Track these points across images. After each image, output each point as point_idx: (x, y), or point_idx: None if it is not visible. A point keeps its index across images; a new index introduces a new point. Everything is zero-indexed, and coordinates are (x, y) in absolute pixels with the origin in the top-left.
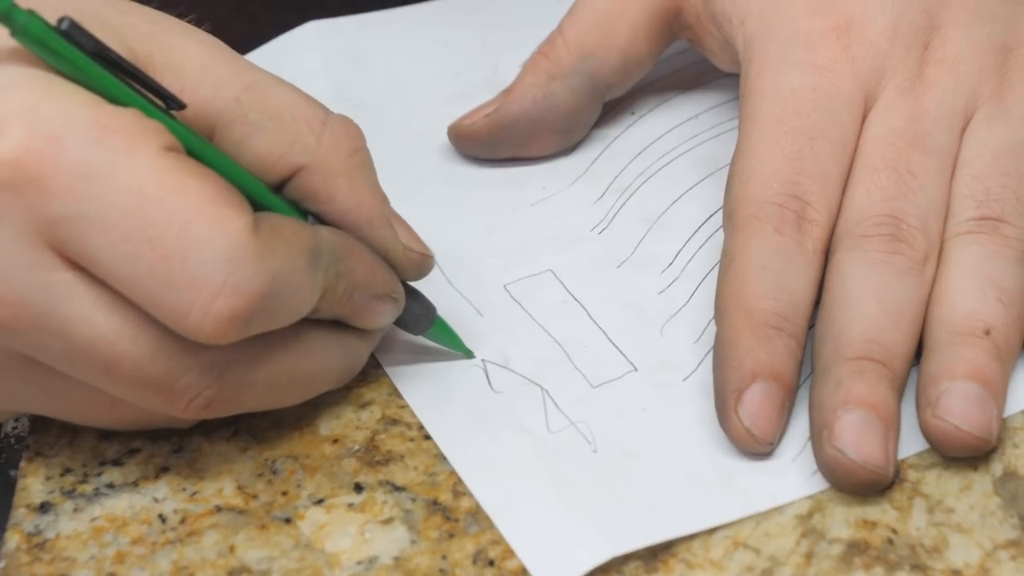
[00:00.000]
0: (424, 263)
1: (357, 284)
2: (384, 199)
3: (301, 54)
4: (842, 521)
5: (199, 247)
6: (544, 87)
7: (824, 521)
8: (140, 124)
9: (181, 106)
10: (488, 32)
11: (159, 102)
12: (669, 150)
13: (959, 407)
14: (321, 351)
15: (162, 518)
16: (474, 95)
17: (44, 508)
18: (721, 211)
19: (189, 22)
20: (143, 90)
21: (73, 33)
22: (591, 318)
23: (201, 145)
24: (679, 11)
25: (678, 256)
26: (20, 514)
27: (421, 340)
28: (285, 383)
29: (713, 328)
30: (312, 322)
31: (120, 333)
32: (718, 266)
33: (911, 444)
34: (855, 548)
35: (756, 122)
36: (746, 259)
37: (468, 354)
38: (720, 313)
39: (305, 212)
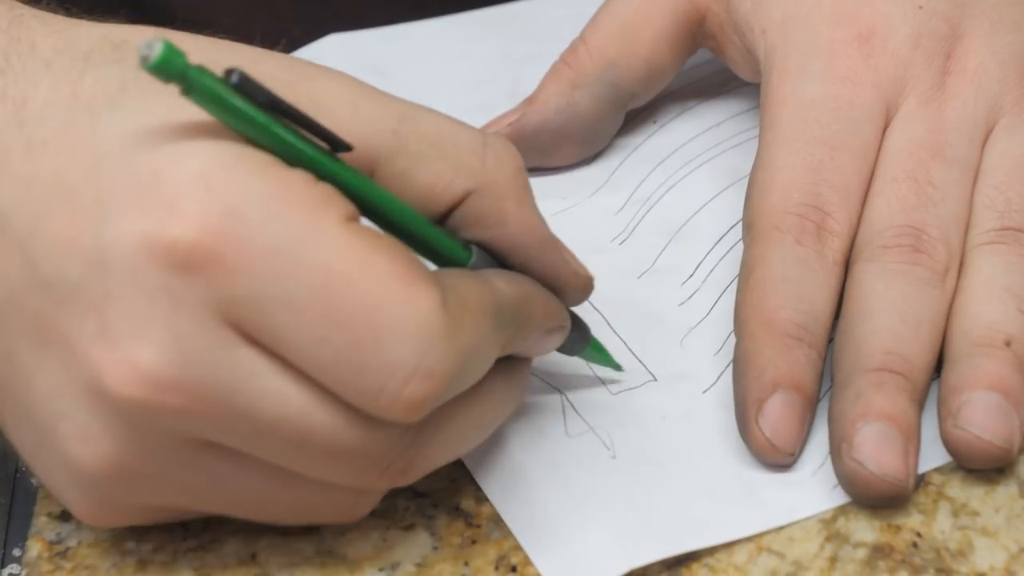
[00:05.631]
0: (589, 286)
1: (534, 327)
2: (545, 221)
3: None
4: (866, 525)
5: (391, 331)
6: (567, 96)
7: (848, 525)
8: (315, 193)
9: (348, 148)
10: (510, 45)
11: (326, 146)
12: (690, 159)
13: (980, 417)
14: (499, 392)
15: (184, 525)
16: (495, 106)
17: (65, 516)
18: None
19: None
20: (312, 137)
21: (244, 85)
22: (611, 327)
23: (369, 188)
24: (702, 20)
25: (699, 268)
26: (41, 523)
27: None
28: (471, 432)
29: (733, 341)
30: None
31: (312, 404)
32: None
33: (934, 457)
34: (880, 552)
35: (776, 132)
36: (766, 270)
37: (618, 368)
38: (740, 324)
39: (467, 243)
